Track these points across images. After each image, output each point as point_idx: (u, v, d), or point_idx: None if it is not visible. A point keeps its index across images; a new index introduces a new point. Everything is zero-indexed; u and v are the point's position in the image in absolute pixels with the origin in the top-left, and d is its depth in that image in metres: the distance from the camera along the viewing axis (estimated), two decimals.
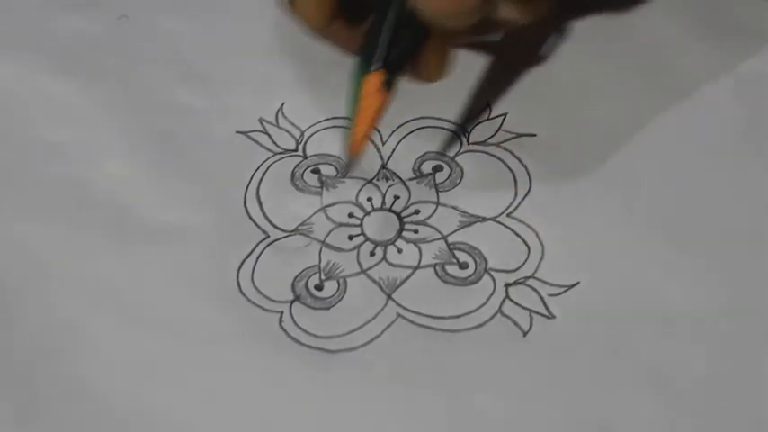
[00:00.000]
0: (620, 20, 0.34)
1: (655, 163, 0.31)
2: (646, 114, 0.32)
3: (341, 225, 0.31)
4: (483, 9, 0.26)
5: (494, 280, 0.29)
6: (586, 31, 0.34)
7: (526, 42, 0.33)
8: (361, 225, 0.31)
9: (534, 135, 0.32)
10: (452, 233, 0.30)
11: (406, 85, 0.33)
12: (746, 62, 0.33)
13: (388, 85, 0.25)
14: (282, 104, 0.33)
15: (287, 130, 0.33)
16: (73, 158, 0.32)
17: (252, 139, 0.32)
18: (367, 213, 0.31)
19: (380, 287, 0.29)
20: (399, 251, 0.30)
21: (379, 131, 0.32)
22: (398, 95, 0.33)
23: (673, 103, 0.32)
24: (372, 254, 0.30)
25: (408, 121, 0.33)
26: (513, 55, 0.33)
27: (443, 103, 0.33)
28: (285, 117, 0.33)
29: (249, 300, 0.29)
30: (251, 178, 0.32)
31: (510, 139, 0.32)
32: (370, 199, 0.31)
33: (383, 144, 0.32)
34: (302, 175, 0.32)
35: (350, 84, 0.25)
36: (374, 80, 0.25)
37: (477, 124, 0.32)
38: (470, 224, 0.30)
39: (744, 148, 0.31)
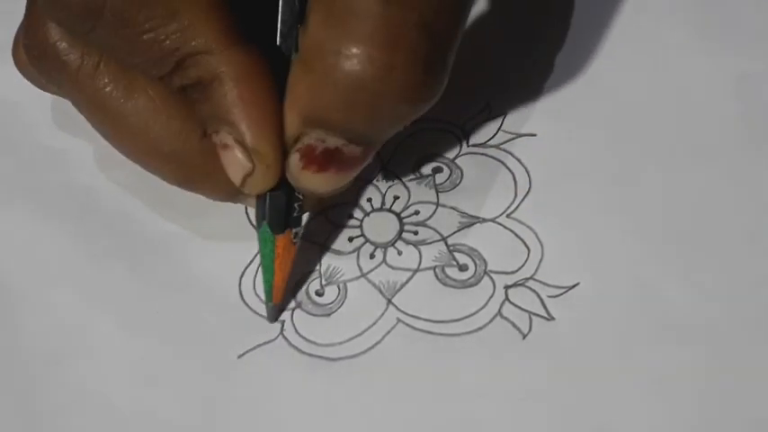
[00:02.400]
0: (621, 20, 0.34)
1: (655, 163, 0.31)
2: (646, 114, 0.32)
3: (341, 227, 0.31)
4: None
5: (493, 282, 0.29)
6: (586, 30, 0.34)
7: None
8: (360, 226, 0.31)
9: (534, 135, 0.32)
10: (452, 234, 0.30)
11: None
12: (746, 62, 0.33)
13: (294, 238, 0.29)
14: None
15: None
16: (77, 165, 0.32)
17: None
18: (367, 214, 0.31)
19: (380, 291, 0.29)
20: (399, 253, 0.30)
21: None
22: None
23: (673, 102, 0.32)
24: (372, 256, 0.30)
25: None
26: None
27: (443, 104, 0.33)
28: None
29: (251, 309, 0.29)
30: None
31: (510, 140, 0.32)
32: (369, 199, 0.31)
33: (383, 145, 0.32)
34: None
35: (262, 244, 0.28)
36: (286, 241, 0.28)
37: (477, 125, 0.32)
38: (470, 225, 0.30)
39: (744, 148, 0.31)
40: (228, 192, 0.29)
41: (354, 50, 0.25)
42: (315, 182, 0.27)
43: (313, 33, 0.25)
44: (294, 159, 0.27)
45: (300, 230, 0.29)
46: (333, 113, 0.26)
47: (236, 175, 0.27)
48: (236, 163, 0.27)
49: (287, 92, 0.27)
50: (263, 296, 0.29)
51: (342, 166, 0.27)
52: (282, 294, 0.29)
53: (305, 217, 0.29)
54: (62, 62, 0.28)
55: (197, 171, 0.29)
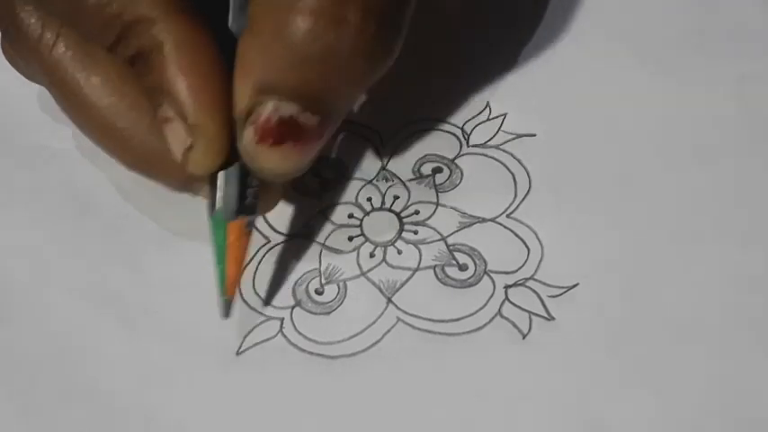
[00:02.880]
0: (621, 20, 0.34)
1: (654, 163, 0.31)
2: (646, 114, 0.32)
3: (341, 226, 0.31)
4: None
5: (493, 282, 0.29)
6: (586, 30, 0.34)
7: None
8: (360, 225, 0.31)
9: (534, 135, 0.32)
10: (452, 234, 0.30)
11: (405, 86, 0.33)
12: (746, 62, 0.33)
13: (248, 227, 0.27)
14: None
15: None
16: (77, 166, 0.32)
17: None
18: (367, 213, 0.31)
19: (380, 290, 0.29)
20: (399, 252, 0.30)
21: (378, 133, 0.33)
22: (398, 97, 0.33)
23: (673, 103, 0.32)
24: (372, 255, 0.30)
25: (408, 124, 0.33)
26: None
27: (443, 105, 0.33)
28: None
29: (251, 307, 0.29)
30: None
31: (510, 140, 0.32)
32: (369, 199, 0.31)
33: (383, 146, 0.32)
34: (302, 177, 0.31)
35: (212, 232, 0.27)
36: (237, 228, 0.27)
37: (477, 125, 0.32)
38: (470, 225, 0.30)
39: (743, 148, 0.31)
40: (181, 177, 0.28)
41: (304, 4, 0.24)
42: (271, 158, 0.26)
43: None
44: (248, 134, 0.26)
45: (254, 219, 0.28)
46: (285, 75, 0.25)
47: (177, 149, 0.26)
48: (176, 137, 0.26)
49: (237, 63, 0.26)
50: (261, 294, 0.29)
51: (298, 138, 0.26)
52: (236, 287, 0.28)
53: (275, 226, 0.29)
54: (24, 34, 0.28)
55: (149, 152, 0.28)
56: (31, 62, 0.29)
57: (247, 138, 0.26)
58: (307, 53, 0.25)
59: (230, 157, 0.27)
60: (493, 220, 0.30)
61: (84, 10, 0.26)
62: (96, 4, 0.26)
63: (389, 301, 0.29)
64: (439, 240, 0.30)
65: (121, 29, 0.26)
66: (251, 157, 0.26)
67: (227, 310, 0.28)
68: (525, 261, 0.29)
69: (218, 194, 0.27)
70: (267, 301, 0.29)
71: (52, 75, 0.29)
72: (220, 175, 0.27)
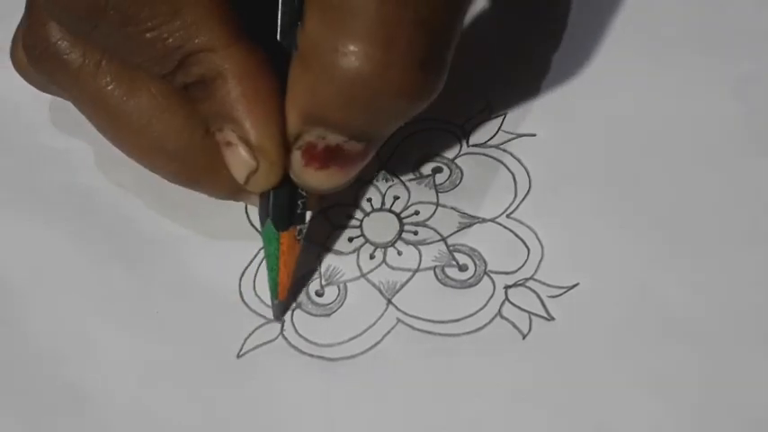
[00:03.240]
0: (621, 20, 0.34)
1: (655, 163, 0.31)
2: (646, 114, 0.32)
3: (341, 227, 0.31)
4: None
5: (493, 282, 0.29)
6: (586, 30, 0.34)
7: None
8: (360, 226, 0.31)
9: (534, 135, 0.32)
10: (452, 234, 0.30)
11: None
12: (746, 62, 0.33)
13: (299, 235, 0.29)
14: None
15: None
16: (77, 166, 0.32)
17: None
18: (367, 214, 0.31)
19: (380, 292, 0.29)
20: (399, 253, 0.30)
21: None
22: None
23: (673, 103, 0.32)
24: (372, 256, 0.30)
25: (408, 123, 0.32)
26: None
27: (443, 105, 0.33)
28: None
29: (251, 309, 0.29)
30: None
31: (510, 140, 0.32)
32: (369, 200, 0.31)
33: (383, 145, 0.32)
34: None
35: (266, 241, 0.28)
36: (290, 238, 0.28)
37: (477, 125, 0.32)
38: (470, 225, 0.30)
39: (744, 148, 0.31)
40: (231, 189, 0.29)
41: (351, 48, 0.25)
42: (317, 179, 0.27)
43: (310, 31, 0.25)
44: (296, 157, 0.27)
45: (304, 228, 0.29)
46: (331, 111, 0.26)
47: (240, 173, 0.27)
48: (240, 161, 0.27)
49: (287, 90, 0.27)
50: (262, 296, 0.29)
51: (343, 162, 0.27)
52: (287, 291, 0.29)
53: (308, 215, 0.29)
54: (63, 61, 0.28)
55: (200, 169, 0.29)
56: (63, 85, 0.29)
57: (296, 160, 0.27)
58: (352, 96, 0.25)
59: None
60: (493, 220, 0.30)
61: (140, 42, 0.26)
62: (155, 37, 0.26)
63: (389, 302, 0.29)
64: (439, 241, 0.30)
65: (181, 59, 0.26)
66: (298, 176, 0.28)
67: (279, 312, 0.29)
68: (525, 261, 0.30)
69: (271, 206, 0.28)
70: (268, 303, 0.29)
71: (93, 102, 0.29)
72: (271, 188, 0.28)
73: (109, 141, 0.30)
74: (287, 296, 0.29)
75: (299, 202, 0.28)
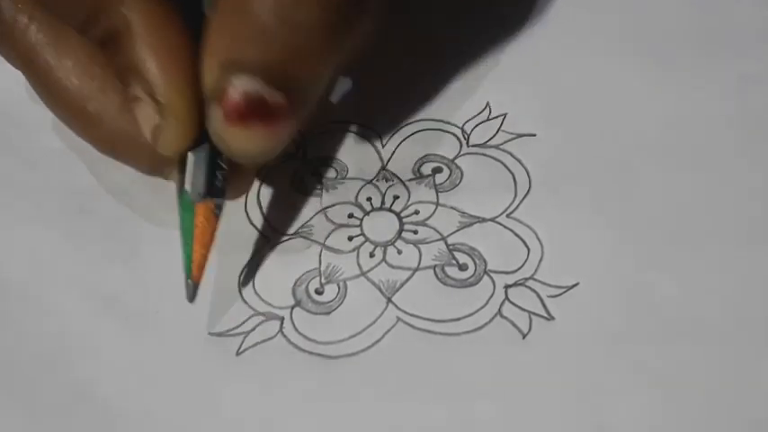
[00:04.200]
0: (621, 20, 0.34)
1: (655, 163, 0.31)
2: (646, 114, 0.32)
3: (341, 226, 0.31)
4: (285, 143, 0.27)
5: (493, 282, 0.29)
6: (586, 30, 0.34)
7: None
8: (360, 225, 0.31)
9: (534, 135, 0.32)
10: (452, 234, 0.30)
11: (405, 86, 0.33)
12: (746, 63, 0.33)
13: (216, 210, 0.27)
14: None
15: None
16: (77, 166, 0.32)
17: None
18: (366, 213, 0.31)
19: (380, 290, 0.29)
20: (399, 252, 0.30)
21: (378, 133, 0.33)
22: (398, 97, 0.33)
23: (673, 103, 0.32)
24: (372, 255, 0.30)
25: (408, 124, 0.33)
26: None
27: (443, 105, 0.33)
28: None
29: (251, 307, 0.29)
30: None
31: (510, 140, 0.32)
32: (369, 199, 0.31)
33: (383, 146, 0.32)
34: (302, 177, 0.32)
35: (180, 214, 0.27)
36: (205, 210, 0.27)
37: (477, 125, 0.33)
38: (470, 225, 0.30)
39: (743, 149, 0.31)
40: (150, 159, 0.28)
41: None
42: (240, 139, 0.26)
43: None
44: (215, 114, 0.26)
45: (222, 202, 0.27)
46: (248, 50, 0.25)
47: (146, 128, 0.26)
48: (146, 116, 0.26)
49: (204, 42, 0.26)
50: (262, 294, 0.29)
51: (267, 118, 0.26)
52: (202, 271, 0.27)
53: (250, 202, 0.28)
54: (1, 19, 0.28)
55: (119, 135, 0.28)
56: (5, 44, 0.29)
57: (214, 117, 0.26)
58: (269, 26, 0.25)
59: (200, 139, 0.27)
60: (493, 219, 0.30)
61: None
62: None
63: (389, 300, 0.29)
64: (439, 240, 0.30)
65: (90, 8, 0.26)
66: (220, 137, 0.26)
67: (192, 293, 0.28)
68: (525, 261, 0.29)
69: (187, 176, 0.27)
70: (267, 300, 0.29)
71: (25, 57, 0.29)
72: (189, 156, 0.27)
73: (44, 103, 0.30)
74: (201, 277, 0.27)
75: (219, 173, 0.27)
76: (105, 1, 0.26)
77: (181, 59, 0.26)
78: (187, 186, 0.27)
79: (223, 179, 0.27)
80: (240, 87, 0.25)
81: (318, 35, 0.26)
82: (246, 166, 0.28)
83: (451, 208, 0.31)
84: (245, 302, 0.29)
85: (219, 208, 0.27)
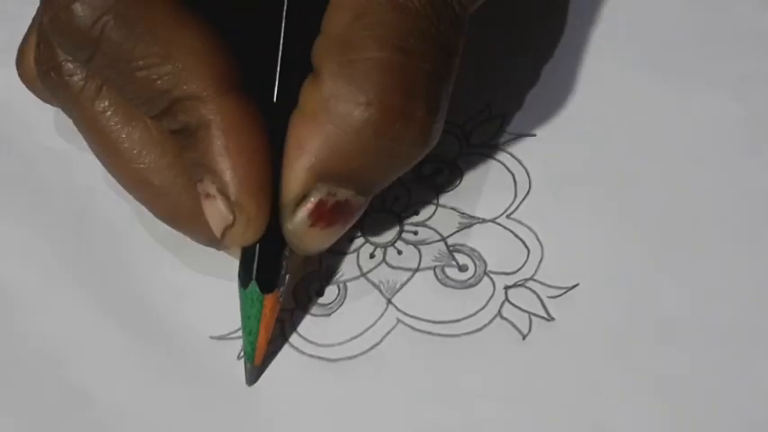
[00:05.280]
0: (621, 20, 0.34)
1: (655, 163, 0.31)
2: (646, 115, 0.32)
3: None
4: None
5: (493, 282, 0.29)
6: (586, 30, 0.34)
7: None
8: (360, 226, 0.30)
9: (534, 135, 0.32)
10: (452, 234, 0.30)
11: None
12: (746, 62, 0.33)
13: (280, 297, 0.28)
14: None
15: None
16: (77, 167, 0.32)
17: None
18: (366, 214, 0.31)
19: (380, 291, 0.29)
20: (399, 253, 0.30)
21: None
22: None
23: (673, 103, 0.32)
24: (372, 256, 0.30)
25: None
26: None
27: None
28: None
29: None
30: None
31: (510, 140, 0.32)
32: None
33: None
34: None
35: (247, 303, 0.27)
36: (273, 300, 0.27)
37: (477, 125, 0.33)
38: (470, 225, 0.30)
39: (743, 149, 0.31)
40: (212, 239, 0.28)
41: (375, 100, 0.25)
42: (320, 238, 0.27)
43: (325, 84, 0.25)
44: (302, 217, 0.27)
45: (284, 290, 0.28)
46: (350, 164, 0.26)
47: (216, 225, 0.27)
48: (216, 213, 0.26)
49: (289, 148, 0.26)
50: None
51: (345, 218, 0.27)
52: (264, 356, 0.28)
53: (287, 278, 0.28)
54: (66, 82, 0.28)
55: (183, 211, 0.28)
56: (65, 104, 0.29)
57: (301, 221, 0.27)
58: (368, 144, 0.26)
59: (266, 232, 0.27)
60: (493, 220, 0.30)
61: (130, 79, 0.26)
62: (145, 77, 0.26)
63: (389, 302, 0.29)
64: (439, 241, 0.30)
65: (169, 103, 0.26)
66: (300, 238, 0.27)
67: (255, 378, 0.28)
68: (525, 262, 0.30)
69: (257, 265, 0.27)
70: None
71: (90, 125, 0.29)
72: (258, 248, 0.27)
73: (103, 166, 0.30)
74: (262, 360, 0.28)
75: (285, 263, 0.28)
76: (185, 97, 0.26)
77: (256, 161, 0.26)
78: (256, 277, 0.27)
79: (287, 268, 0.28)
80: (331, 196, 0.26)
81: (414, 151, 0.27)
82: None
83: (451, 209, 0.31)
84: None
85: (282, 295, 0.28)
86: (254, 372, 0.28)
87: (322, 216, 0.27)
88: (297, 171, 0.26)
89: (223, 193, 0.26)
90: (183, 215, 0.29)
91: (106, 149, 0.29)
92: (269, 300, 0.27)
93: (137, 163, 0.28)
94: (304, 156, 0.26)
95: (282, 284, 0.28)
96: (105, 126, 0.28)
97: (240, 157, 0.26)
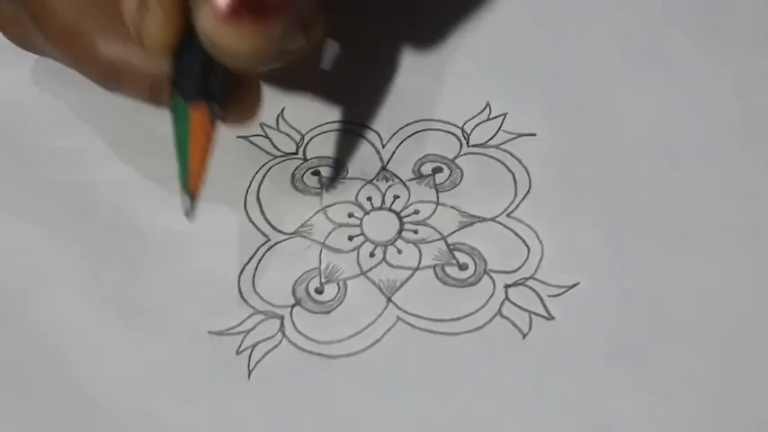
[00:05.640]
0: (621, 20, 0.34)
1: (655, 163, 0.31)
2: (646, 114, 0.32)
3: (341, 225, 0.31)
4: (279, 47, 0.25)
5: (493, 281, 0.29)
6: (587, 30, 0.34)
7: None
8: (360, 225, 0.31)
9: (534, 135, 0.32)
10: (452, 233, 0.30)
11: (405, 87, 0.34)
12: (746, 62, 0.33)
13: (213, 115, 0.25)
14: (283, 109, 0.33)
15: (287, 134, 0.33)
16: (75, 164, 0.32)
17: (253, 144, 0.33)
18: (367, 213, 0.31)
19: (380, 289, 0.29)
20: (399, 252, 0.30)
21: (378, 133, 0.33)
22: (398, 97, 0.33)
23: (673, 103, 0.32)
24: (372, 254, 0.30)
25: (408, 124, 0.33)
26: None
27: (443, 105, 0.33)
28: (286, 121, 0.33)
29: (250, 305, 0.29)
30: (251, 181, 0.32)
31: (510, 140, 0.32)
32: (369, 198, 0.31)
33: (383, 146, 0.32)
34: (302, 176, 0.32)
35: (174, 119, 0.26)
36: (200, 114, 0.25)
37: (477, 125, 0.33)
38: (470, 224, 0.30)
39: (744, 149, 0.31)
40: (149, 82, 0.27)
41: None
42: (229, 36, 0.24)
43: None
44: (205, 10, 0.24)
45: (218, 110, 0.25)
46: None
47: (130, 20, 0.26)
48: (129, 6, 0.25)
49: None
50: (262, 293, 0.29)
51: (259, 16, 0.24)
52: (199, 181, 0.26)
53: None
54: None
55: (114, 60, 0.27)
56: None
57: (204, 14, 0.24)
58: None
59: (190, 42, 0.25)
60: (493, 219, 0.30)
61: None
62: None
63: (389, 300, 0.29)
64: (439, 240, 0.30)
65: None
66: (208, 36, 0.25)
67: (190, 207, 0.26)
68: (525, 260, 0.29)
69: (176, 69, 0.25)
70: (267, 299, 0.29)
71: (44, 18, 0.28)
72: (182, 56, 0.25)
73: (41, 38, 0.29)
74: (199, 188, 0.26)
75: (214, 77, 0.25)
76: None
77: None
78: (176, 83, 0.25)
79: (219, 84, 0.25)
80: None
81: None
82: (247, 78, 0.27)
83: (452, 207, 0.31)
84: (245, 301, 0.29)
85: (216, 114, 0.25)
86: (190, 200, 0.26)
87: (229, 7, 0.24)
88: None
89: None
90: (116, 65, 0.27)
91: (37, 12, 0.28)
92: (194, 112, 0.25)
93: (65, 15, 0.28)
94: None
95: (215, 99, 0.25)
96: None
97: None
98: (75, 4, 0.28)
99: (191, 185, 0.25)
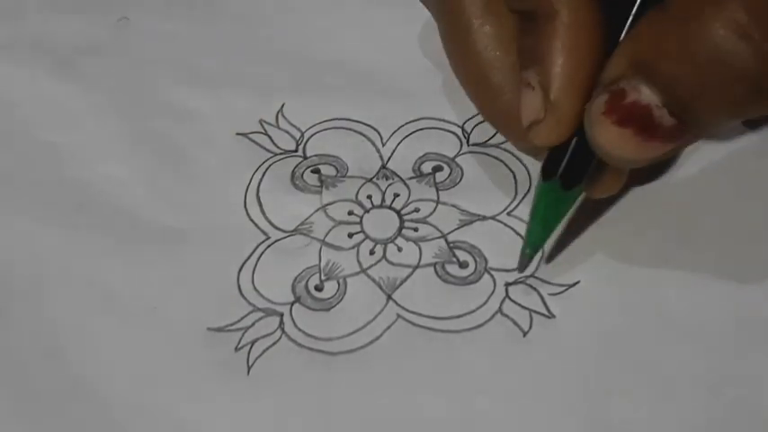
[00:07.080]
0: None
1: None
2: None
3: (341, 223, 0.31)
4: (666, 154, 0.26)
5: (494, 279, 0.29)
6: None
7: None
8: (360, 222, 0.31)
9: None
10: (452, 231, 0.30)
11: (406, 85, 0.33)
12: None
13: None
14: (283, 106, 0.33)
15: (287, 132, 0.33)
16: (72, 161, 0.32)
17: (252, 141, 0.33)
18: (367, 211, 0.31)
19: (380, 287, 0.29)
20: (399, 249, 0.30)
21: (379, 131, 0.33)
22: (398, 97, 0.33)
23: None
24: (372, 252, 0.30)
25: (408, 122, 0.33)
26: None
27: (444, 103, 0.33)
28: (285, 118, 0.33)
29: (250, 302, 0.29)
30: (251, 179, 0.32)
31: None
32: (369, 196, 0.31)
33: (383, 144, 0.32)
34: (302, 174, 0.32)
35: (541, 193, 0.28)
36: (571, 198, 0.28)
37: (478, 124, 0.33)
38: (470, 222, 0.30)
39: (744, 148, 0.31)
40: (532, 145, 0.28)
41: (738, 15, 0.23)
42: (607, 135, 0.25)
43: None
44: (599, 101, 0.25)
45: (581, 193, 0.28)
46: (668, 63, 0.24)
47: (526, 116, 0.27)
48: (530, 105, 0.26)
49: (627, 37, 0.25)
50: (261, 289, 0.29)
51: (644, 131, 0.25)
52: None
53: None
54: None
55: (511, 113, 0.28)
56: None
57: (597, 104, 0.25)
58: (704, 55, 0.24)
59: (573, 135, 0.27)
60: (493, 217, 0.30)
61: None
62: None
63: (389, 297, 0.29)
64: (439, 238, 0.30)
65: None
66: (591, 124, 0.26)
67: (522, 265, 0.29)
68: None
69: (567, 161, 0.27)
70: (266, 297, 0.29)
71: (448, 10, 0.29)
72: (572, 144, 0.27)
73: (446, 53, 0.30)
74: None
75: (588, 167, 0.27)
76: None
77: (586, 66, 0.26)
78: (561, 173, 0.27)
79: (590, 168, 0.27)
80: (634, 90, 0.25)
81: (742, 88, 0.24)
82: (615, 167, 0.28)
83: (452, 206, 0.31)
84: (245, 298, 0.29)
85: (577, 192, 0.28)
86: (523, 262, 0.28)
87: (617, 108, 0.25)
88: (615, 57, 0.25)
89: (544, 87, 0.26)
90: (509, 118, 0.28)
91: (455, 36, 0.29)
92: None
93: (482, 57, 0.29)
94: (630, 43, 0.25)
95: (579, 182, 0.27)
96: (462, 13, 0.29)
97: (572, 57, 0.25)
98: (497, 57, 0.29)
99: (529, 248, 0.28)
